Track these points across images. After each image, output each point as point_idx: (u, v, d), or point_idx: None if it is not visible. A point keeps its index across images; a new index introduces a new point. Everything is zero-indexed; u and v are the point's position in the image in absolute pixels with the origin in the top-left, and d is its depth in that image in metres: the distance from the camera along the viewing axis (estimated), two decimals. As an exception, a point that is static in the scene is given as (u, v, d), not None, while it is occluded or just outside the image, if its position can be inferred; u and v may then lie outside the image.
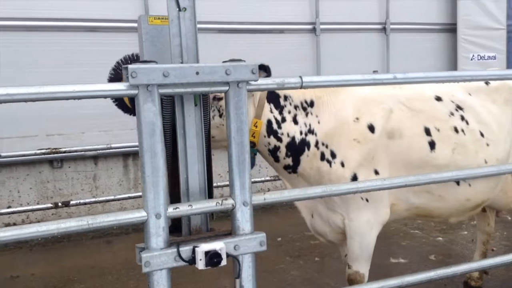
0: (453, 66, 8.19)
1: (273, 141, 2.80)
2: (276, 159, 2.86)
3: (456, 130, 2.88)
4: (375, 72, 7.28)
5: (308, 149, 2.79)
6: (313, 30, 7.17)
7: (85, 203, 5.70)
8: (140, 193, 6.25)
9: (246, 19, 6.81)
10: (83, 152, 5.94)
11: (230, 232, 2.22)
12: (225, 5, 6.69)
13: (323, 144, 2.78)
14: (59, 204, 5.38)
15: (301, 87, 2.25)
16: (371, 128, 2.77)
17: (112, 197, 5.88)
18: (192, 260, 2.06)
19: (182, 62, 2.17)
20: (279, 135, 2.79)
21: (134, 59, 2.76)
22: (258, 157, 3.01)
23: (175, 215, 2.09)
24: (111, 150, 6.11)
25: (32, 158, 5.79)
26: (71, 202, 5.49)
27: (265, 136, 2.80)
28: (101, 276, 4.34)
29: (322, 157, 2.77)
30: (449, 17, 8.17)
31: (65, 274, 4.44)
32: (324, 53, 7.23)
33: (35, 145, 5.78)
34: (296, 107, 2.82)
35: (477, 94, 3.06)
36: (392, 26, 7.67)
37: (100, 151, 6.07)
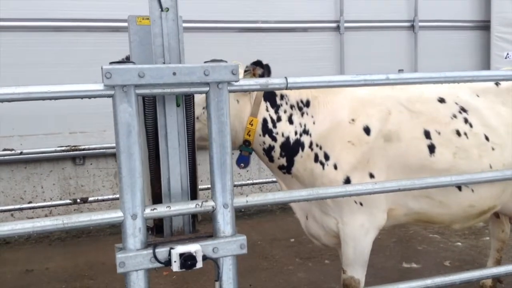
0: (486, 64, 7.87)
1: (268, 140, 2.76)
2: (271, 159, 2.81)
3: (458, 133, 2.74)
4: (400, 71, 7.05)
5: (302, 150, 2.73)
6: (337, 28, 7.05)
7: (103, 200, 5.81)
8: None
9: (270, 18, 6.77)
10: (103, 150, 6.05)
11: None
12: (248, 3, 6.67)
13: (317, 145, 2.71)
14: (78, 200, 5.51)
15: (286, 88, 2.19)
16: (367, 130, 2.67)
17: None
18: (168, 262, 2.04)
19: (164, 63, 2.16)
20: (274, 134, 2.75)
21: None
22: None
23: (152, 216, 2.08)
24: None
25: (56, 155, 5.96)
26: (90, 199, 5.61)
27: (260, 135, 2.76)
28: (111, 272, 4.40)
29: (316, 158, 2.70)
30: (482, 14, 7.84)
31: (78, 270, 4.54)
32: (348, 51, 7.10)
33: (58, 143, 5.94)
34: (292, 106, 2.77)
35: (485, 95, 2.90)
36: (420, 24, 7.44)
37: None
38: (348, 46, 7.09)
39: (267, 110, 2.75)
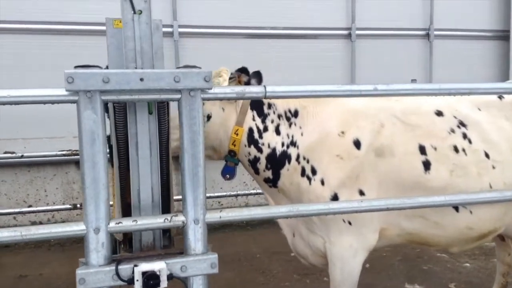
0: (505, 76, 7.59)
1: (253, 151, 2.62)
2: (256, 171, 2.67)
3: (456, 149, 2.55)
4: (413, 81, 6.85)
5: (289, 162, 2.58)
6: (349, 35, 6.88)
7: (103, 206, 5.73)
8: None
9: (279, 24, 6.65)
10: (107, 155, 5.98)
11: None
12: (259, 10, 6.56)
13: (304, 158, 2.55)
14: (78, 205, 5.45)
15: (265, 97, 2.06)
16: (357, 144, 2.51)
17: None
18: (131, 280, 1.92)
19: (136, 67, 2.05)
20: (259, 145, 2.61)
21: None
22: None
23: (117, 230, 1.96)
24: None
25: (59, 159, 5.92)
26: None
27: (245, 145, 2.62)
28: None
29: (303, 172, 2.54)
30: (501, 24, 7.57)
31: (72, 276, 4.42)
32: (359, 60, 6.91)
33: (62, 147, 5.90)
34: (279, 116, 2.63)
35: (488, 109, 2.70)
36: (436, 33, 7.21)
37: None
38: (360, 54, 6.91)
39: (254, 120, 2.61)
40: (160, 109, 2.12)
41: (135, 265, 1.91)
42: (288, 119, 2.62)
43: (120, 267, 1.91)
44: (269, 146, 2.60)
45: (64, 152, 5.73)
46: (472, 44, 7.49)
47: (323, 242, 2.58)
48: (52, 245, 5.50)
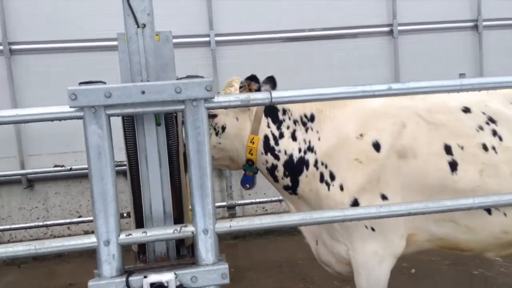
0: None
1: (270, 159, 2.57)
2: (275, 179, 2.62)
3: (485, 147, 2.37)
4: (461, 75, 6.52)
5: (307, 168, 2.51)
6: (390, 32, 6.64)
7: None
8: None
9: (316, 25, 6.54)
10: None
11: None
12: (295, 13, 6.50)
13: (322, 163, 2.47)
14: (125, 214, 5.60)
15: (271, 103, 2.01)
16: (377, 146, 2.39)
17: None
18: (141, 291, 1.94)
19: (142, 80, 2.07)
20: (276, 152, 2.55)
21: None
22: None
23: (127, 242, 1.99)
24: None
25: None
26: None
27: (262, 153, 2.58)
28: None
29: (321, 178, 2.46)
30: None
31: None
32: (403, 56, 6.66)
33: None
34: (295, 121, 2.56)
35: (522, 103, 2.50)
36: (485, 23, 6.82)
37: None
38: (403, 50, 6.66)
39: (269, 127, 2.56)
40: (168, 121, 2.12)
41: (145, 276, 1.93)
42: (304, 124, 2.55)
43: (130, 278, 1.93)
44: (285, 153, 2.54)
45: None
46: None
47: (347, 250, 2.49)
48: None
